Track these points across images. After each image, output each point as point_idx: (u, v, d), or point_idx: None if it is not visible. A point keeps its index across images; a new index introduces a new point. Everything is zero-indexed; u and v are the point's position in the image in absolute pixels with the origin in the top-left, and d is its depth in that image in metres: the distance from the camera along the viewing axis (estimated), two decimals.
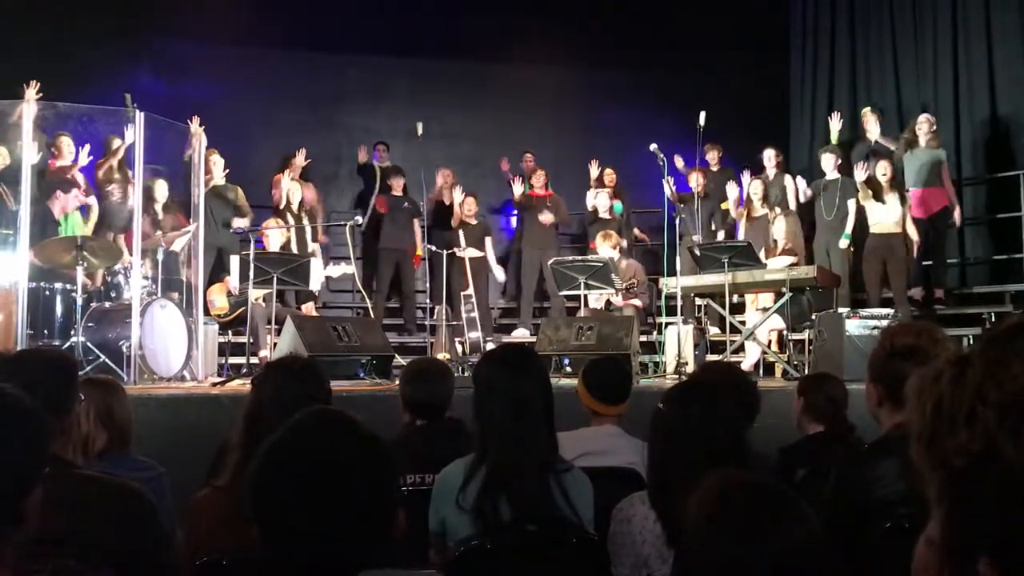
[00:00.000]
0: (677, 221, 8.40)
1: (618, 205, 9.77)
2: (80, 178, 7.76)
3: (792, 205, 8.98)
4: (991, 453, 0.75)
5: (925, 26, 9.96)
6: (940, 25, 9.80)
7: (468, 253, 9.09)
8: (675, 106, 9.67)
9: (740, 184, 9.13)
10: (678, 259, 7.69)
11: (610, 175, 10.06)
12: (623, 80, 11.25)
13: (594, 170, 10.08)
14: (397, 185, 9.60)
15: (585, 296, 7.61)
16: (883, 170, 8.28)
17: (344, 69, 11.04)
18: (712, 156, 9.33)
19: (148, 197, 7.79)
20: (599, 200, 9.52)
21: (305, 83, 10.84)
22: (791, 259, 7.86)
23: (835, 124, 9.38)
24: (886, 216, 8.29)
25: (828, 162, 8.76)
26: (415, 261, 9.57)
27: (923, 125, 8.59)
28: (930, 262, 8.71)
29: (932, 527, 0.83)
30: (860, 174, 8.30)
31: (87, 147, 7.90)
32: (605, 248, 8.13)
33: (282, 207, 8.78)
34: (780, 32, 11.14)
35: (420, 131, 8.53)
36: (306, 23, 10.70)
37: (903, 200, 8.29)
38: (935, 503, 0.82)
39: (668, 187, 8.15)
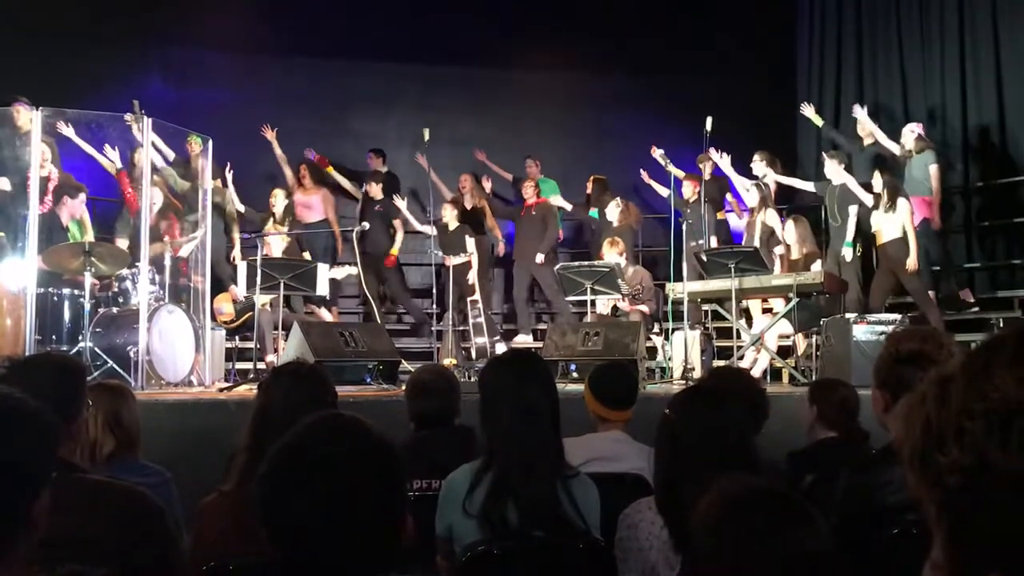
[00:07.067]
0: (684, 227, 8.36)
1: (594, 212, 9.72)
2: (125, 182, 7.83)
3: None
4: (983, 466, 0.75)
5: (932, 31, 9.92)
6: (947, 30, 9.75)
7: (450, 261, 8.85)
8: (682, 112, 9.64)
9: (733, 191, 9.14)
10: (684, 264, 7.67)
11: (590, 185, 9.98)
12: (630, 86, 11.24)
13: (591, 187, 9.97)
14: (373, 191, 9.54)
15: (593, 301, 7.63)
16: (877, 180, 7.96)
17: (352, 76, 11.05)
18: (704, 166, 9.04)
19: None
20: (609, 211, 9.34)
21: (313, 90, 10.84)
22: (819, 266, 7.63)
23: (810, 111, 9.32)
24: (885, 226, 7.90)
25: (832, 166, 8.42)
26: (388, 262, 9.49)
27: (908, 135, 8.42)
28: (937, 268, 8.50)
29: (936, 552, 0.82)
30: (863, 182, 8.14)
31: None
32: (612, 255, 8.14)
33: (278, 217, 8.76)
34: (787, 37, 11.14)
35: (427, 137, 8.55)
36: (314, 30, 10.71)
37: (894, 207, 7.79)
38: (935, 525, 0.81)
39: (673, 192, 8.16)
